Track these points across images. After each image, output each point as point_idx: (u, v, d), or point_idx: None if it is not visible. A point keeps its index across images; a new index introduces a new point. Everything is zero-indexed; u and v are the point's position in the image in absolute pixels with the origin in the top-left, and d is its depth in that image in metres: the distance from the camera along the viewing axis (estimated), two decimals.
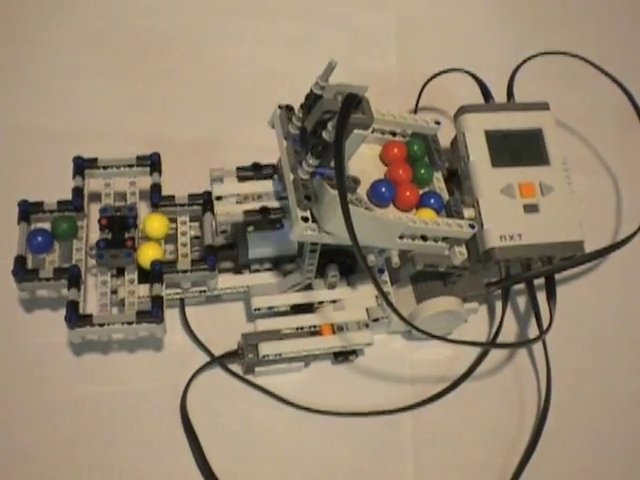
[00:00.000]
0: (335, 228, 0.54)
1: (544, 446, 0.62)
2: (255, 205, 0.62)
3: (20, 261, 0.61)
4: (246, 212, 0.61)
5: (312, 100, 0.54)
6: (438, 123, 0.64)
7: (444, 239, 0.60)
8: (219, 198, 0.62)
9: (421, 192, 0.62)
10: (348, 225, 0.51)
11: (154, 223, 0.63)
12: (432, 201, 0.61)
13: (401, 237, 0.58)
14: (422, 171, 0.62)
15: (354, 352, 0.64)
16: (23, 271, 0.60)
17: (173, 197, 0.65)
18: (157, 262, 0.61)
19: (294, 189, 0.55)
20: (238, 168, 0.64)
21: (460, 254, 0.60)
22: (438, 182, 0.63)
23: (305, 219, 0.54)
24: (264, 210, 0.61)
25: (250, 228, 0.61)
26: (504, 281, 0.66)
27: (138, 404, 0.63)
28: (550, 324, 0.63)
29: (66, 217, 0.63)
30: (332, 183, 0.53)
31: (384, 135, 0.64)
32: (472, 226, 0.60)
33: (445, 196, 0.62)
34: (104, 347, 0.64)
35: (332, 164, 0.54)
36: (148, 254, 0.62)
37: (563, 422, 0.64)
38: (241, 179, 0.64)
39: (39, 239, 0.62)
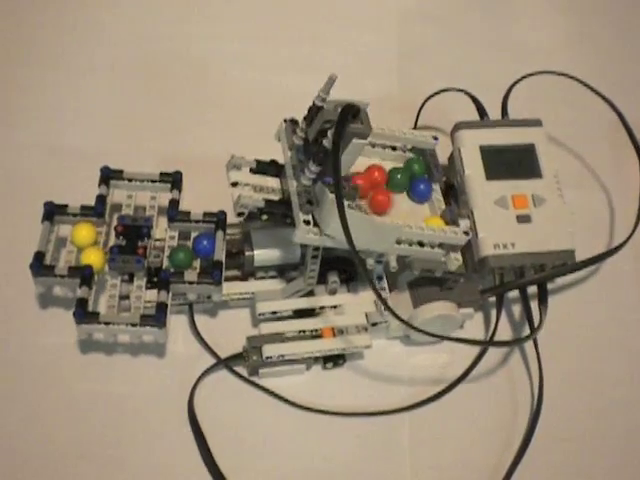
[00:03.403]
0: (334, 231, 0.57)
1: (536, 446, 0.64)
2: (273, 197, 0.63)
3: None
4: (266, 200, 0.61)
5: (314, 112, 0.57)
6: (436, 138, 0.67)
7: (440, 245, 0.62)
8: (235, 184, 0.62)
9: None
10: (344, 226, 0.54)
11: (82, 231, 0.66)
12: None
13: (399, 242, 0.60)
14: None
15: (343, 357, 0.67)
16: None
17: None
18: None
19: (297, 194, 0.58)
20: (257, 161, 0.64)
21: (455, 260, 0.63)
22: (435, 194, 0.66)
23: (307, 222, 0.58)
24: (282, 202, 0.62)
25: (264, 217, 0.61)
26: (498, 288, 0.68)
27: (147, 404, 0.65)
28: (540, 325, 0.65)
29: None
30: (332, 188, 0.56)
31: (385, 150, 0.67)
32: (466, 233, 0.62)
33: (441, 207, 0.65)
34: (114, 349, 0.66)
35: None
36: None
37: (555, 423, 0.66)
38: (255, 172, 0.64)
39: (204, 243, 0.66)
